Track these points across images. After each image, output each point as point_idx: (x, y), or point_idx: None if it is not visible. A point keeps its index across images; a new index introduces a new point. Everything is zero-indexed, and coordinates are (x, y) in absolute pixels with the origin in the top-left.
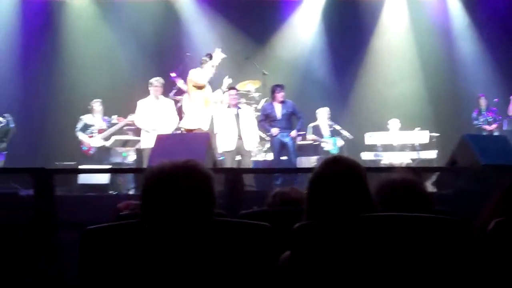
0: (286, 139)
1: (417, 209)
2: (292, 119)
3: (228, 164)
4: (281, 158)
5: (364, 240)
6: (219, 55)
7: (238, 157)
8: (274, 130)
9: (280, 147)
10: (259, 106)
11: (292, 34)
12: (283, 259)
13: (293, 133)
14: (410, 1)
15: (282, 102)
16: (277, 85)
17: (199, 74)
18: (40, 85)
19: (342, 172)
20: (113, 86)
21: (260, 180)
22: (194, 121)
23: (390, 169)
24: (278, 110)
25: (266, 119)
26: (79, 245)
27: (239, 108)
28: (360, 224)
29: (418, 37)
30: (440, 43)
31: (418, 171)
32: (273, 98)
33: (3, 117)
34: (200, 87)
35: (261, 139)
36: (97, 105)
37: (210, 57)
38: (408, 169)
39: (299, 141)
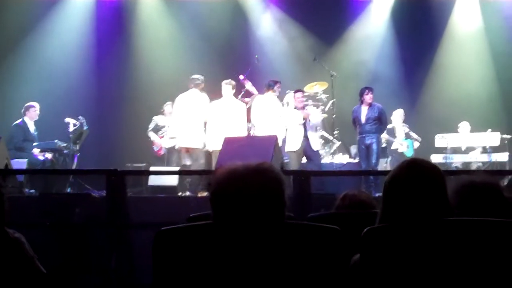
0: (368, 142)
1: (498, 214)
2: (379, 123)
3: (293, 166)
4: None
5: (444, 245)
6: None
7: (303, 160)
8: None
9: (364, 151)
10: (327, 108)
11: (360, 35)
12: (354, 261)
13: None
14: (483, 0)
15: (370, 105)
16: (366, 87)
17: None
18: (111, 87)
19: (421, 175)
20: (182, 88)
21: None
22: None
23: (464, 172)
24: (364, 114)
25: (354, 122)
26: (153, 245)
27: (306, 109)
28: (441, 229)
29: (490, 37)
30: None
31: (490, 174)
32: (361, 101)
33: (77, 119)
34: None
35: (328, 141)
36: (168, 107)
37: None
38: (480, 172)
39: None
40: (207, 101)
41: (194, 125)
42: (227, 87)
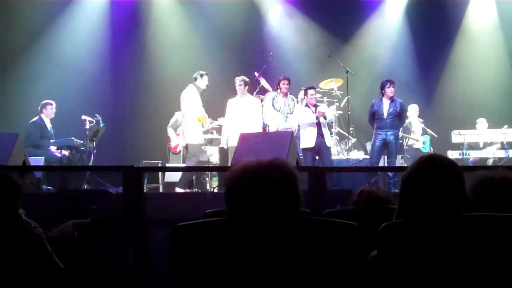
0: (390, 138)
1: None
2: (399, 119)
3: (308, 163)
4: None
5: (462, 240)
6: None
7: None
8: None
9: (381, 146)
10: (342, 104)
11: (375, 32)
12: (371, 257)
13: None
14: None
15: (392, 100)
16: (387, 80)
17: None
18: (127, 85)
19: (439, 170)
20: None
21: (346, 179)
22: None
23: (482, 167)
24: (386, 108)
25: (373, 117)
26: (170, 241)
27: (318, 106)
28: (459, 224)
29: (506, 33)
30: None
31: (509, 169)
32: (382, 94)
33: (94, 116)
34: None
35: (343, 137)
36: None
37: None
38: (499, 167)
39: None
40: (195, 94)
41: (188, 121)
42: (240, 83)
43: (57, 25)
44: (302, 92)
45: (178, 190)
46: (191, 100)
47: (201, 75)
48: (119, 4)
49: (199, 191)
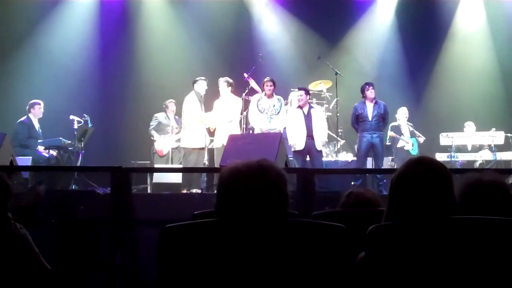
0: (376, 140)
1: (504, 212)
2: (382, 121)
3: (298, 164)
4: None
5: (450, 243)
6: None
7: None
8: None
9: (367, 148)
10: (331, 106)
11: (365, 33)
12: (359, 259)
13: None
14: (487, 0)
15: (375, 102)
16: (366, 83)
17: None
18: (116, 85)
19: (428, 173)
20: (186, 87)
21: (335, 181)
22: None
23: (471, 170)
24: (370, 111)
25: (356, 120)
26: (158, 242)
27: (312, 108)
28: (447, 227)
29: (495, 36)
30: None
31: (497, 172)
32: (364, 96)
33: (82, 117)
34: None
35: (333, 139)
36: (171, 104)
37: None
38: (484, 170)
39: None
40: (193, 100)
41: (186, 125)
42: (223, 84)
43: (46, 25)
44: (292, 94)
45: (183, 191)
46: (187, 106)
47: (195, 81)
48: (108, 4)
49: (187, 191)
